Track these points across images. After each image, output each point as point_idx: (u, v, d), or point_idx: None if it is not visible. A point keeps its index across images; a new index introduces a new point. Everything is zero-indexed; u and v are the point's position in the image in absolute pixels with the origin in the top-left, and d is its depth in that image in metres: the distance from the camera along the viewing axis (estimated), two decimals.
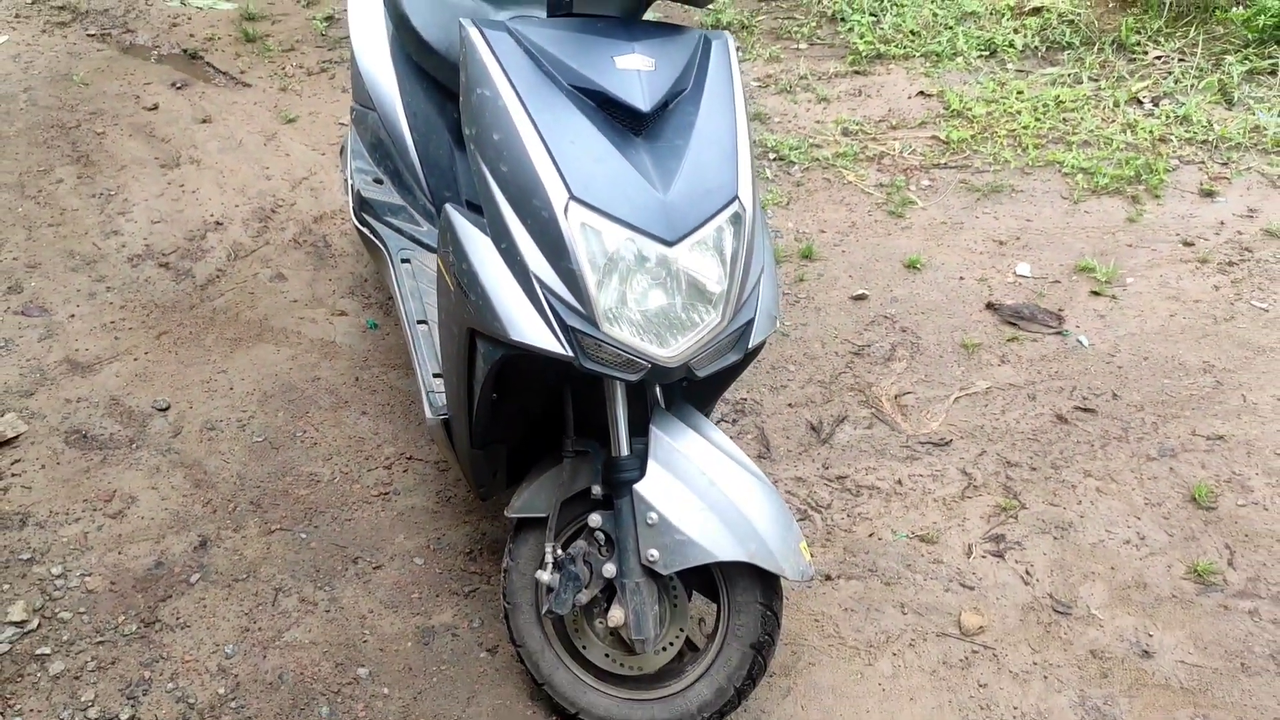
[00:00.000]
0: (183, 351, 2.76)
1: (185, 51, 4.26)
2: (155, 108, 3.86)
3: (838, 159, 3.50)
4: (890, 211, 3.24)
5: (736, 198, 1.68)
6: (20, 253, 3.09)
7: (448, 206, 1.76)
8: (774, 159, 3.54)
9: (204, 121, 3.79)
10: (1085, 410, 2.52)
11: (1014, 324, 2.78)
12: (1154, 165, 3.34)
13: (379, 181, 2.50)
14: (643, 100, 1.65)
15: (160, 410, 2.56)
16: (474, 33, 1.70)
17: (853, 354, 2.72)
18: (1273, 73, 3.82)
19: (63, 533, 2.22)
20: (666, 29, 1.78)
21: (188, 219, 3.29)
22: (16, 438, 2.46)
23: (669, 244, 1.58)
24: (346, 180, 2.61)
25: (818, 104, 3.85)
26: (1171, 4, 4.15)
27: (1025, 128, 3.59)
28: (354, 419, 2.55)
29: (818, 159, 3.50)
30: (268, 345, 2.79)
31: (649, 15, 2.16)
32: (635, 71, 1.67)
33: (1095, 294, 2.88)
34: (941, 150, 3.53)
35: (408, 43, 2.36)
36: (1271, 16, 3.86)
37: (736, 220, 1.67)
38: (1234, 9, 3.99)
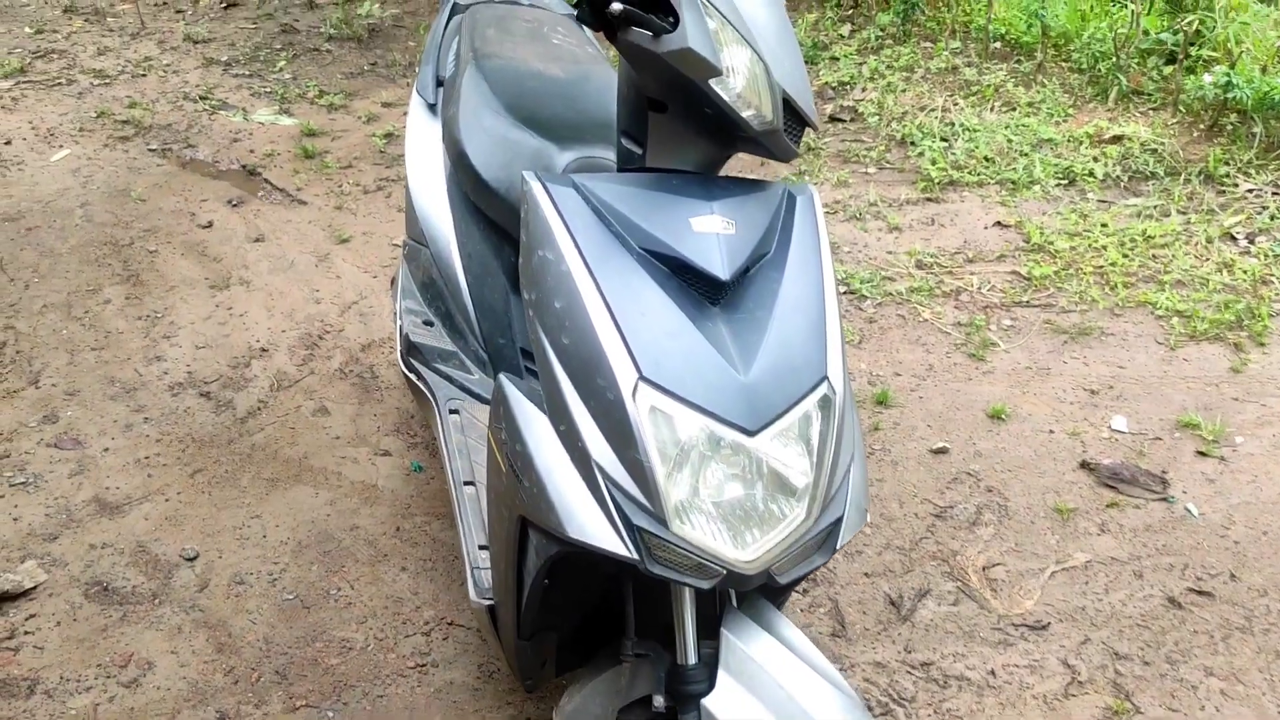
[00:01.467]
0: (217, 492, 2.60)
1: (244, 167, 4.22)
2: (210, 225, 3.80)
3: (912, 294, 3.31)
4: (970, 354, 3.04)
5: (825, 378, 1.49)
6: (60, 379, 2.98)
7: (502, 377, 1.59)
8: (845, 292, 3.36)
9: (257, 240, 3.71)
10: (1201, 593, 2.26)
11: (1113, 487, 2.54)
12: (1256, 310, 3.11)
13: (429, 324, 2.35)
14: (722, 267, 1.48)
15: (188, 560, 2.39)
16: (537, 187, 1.56)
17: (934, 516, 2.49)
18: None
19: (71, 704, 2.03)
20: (745, 185, 1.63)
21: (233, 344, 3.17)
22: (35, 588, 2.30)
23: (750, 433, 1.39)
24: (395, 318, 2.47)
25: (889, 233, 3.68)
26: (1261, 135, 3.96)
27: (1113, 264, 3.39)
28: (393, 575, 2.36)
29: (891, 293, 3.32)
30: (306, 487, 2.63)
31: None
32: (714, 235, 1.51)
33: (1201, 454, 2.64)
34: (1023, 287, 3.33)
35: (465, 180, 2.23)
36: None
37: (826, 404, 1.48)
38: None
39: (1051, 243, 3.52)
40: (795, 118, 1.64)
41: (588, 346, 1.44)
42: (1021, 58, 4.76)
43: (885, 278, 3.41)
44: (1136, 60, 4.45)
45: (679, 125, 1.62)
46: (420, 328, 2.34)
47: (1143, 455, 2.64)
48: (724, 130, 1.62)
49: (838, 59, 4.99)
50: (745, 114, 1.55)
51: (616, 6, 1.47)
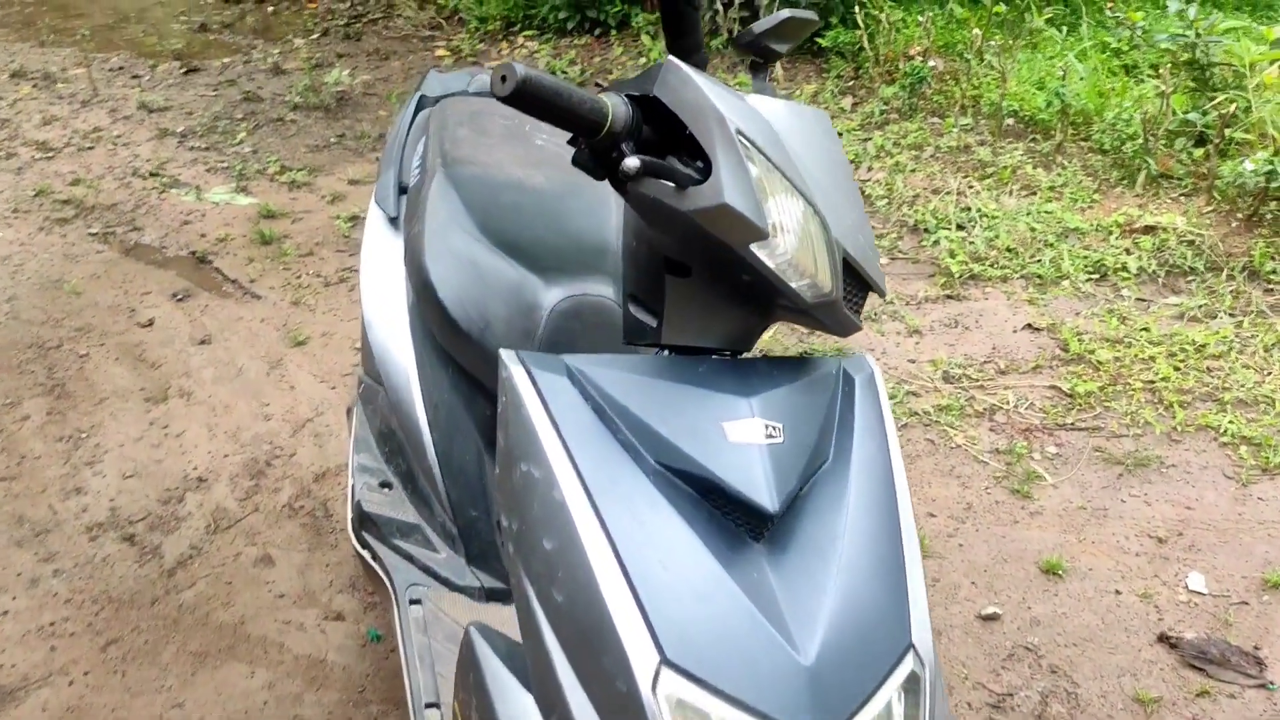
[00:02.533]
0: (133, 672, 2.17)
1: (194, 254, 3.83)
2: (150, 324, 3.39)
3: (941, 413, 2.93)
4: (1013, 489, 2.65)
5: (911, 646, 1.11)
6: None
7: (471, 630, 1.20)
8: None
9: (202, 342, 3.30)
10: None
11: (1200, 669, 2.15)
12: None
13: (387, 486, 1.95)
14: (769, 495, 1.10)
15: None
16: (518, 373, 1.17)
17: (991, 707, 2.09)
18: None
19: None
20: (790, 368, 1.25)
21: (166, 472, 2.75)
22: None
23: None
24: (348, 475, 2.06)
25: (909, 337, 3.32)
26: None
27: (1164, 379, 3.03)
28: None
29: (917, 412, 2.94)
30: (240, 664, 2.20)
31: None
32: (756, 447, 1.13)
33: None
34: (1065, 405, 2.96)
35: (430, 315, 1.84)
36: None
37: (913, 685, 1.09)
38: None
39: (1092, 351, 3.16)
40: (857, 282, 1.27)
41: (589, 611, 1.05)
42: (1038, 137, 4.45)
43: (909, 393, 3.03)
44: (1164, 142, 4.13)
45: (705, 293, 1.24)
46: (376, 492, 1.93)
47: (1229, 625, 2.26)
48: (763, 298, 1.24)
49: (840, 135, 4.66)
50: (797, 284, 1.17)
51: (632, 163, 1.11)
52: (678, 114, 1.12)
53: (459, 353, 1.80)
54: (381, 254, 2.06)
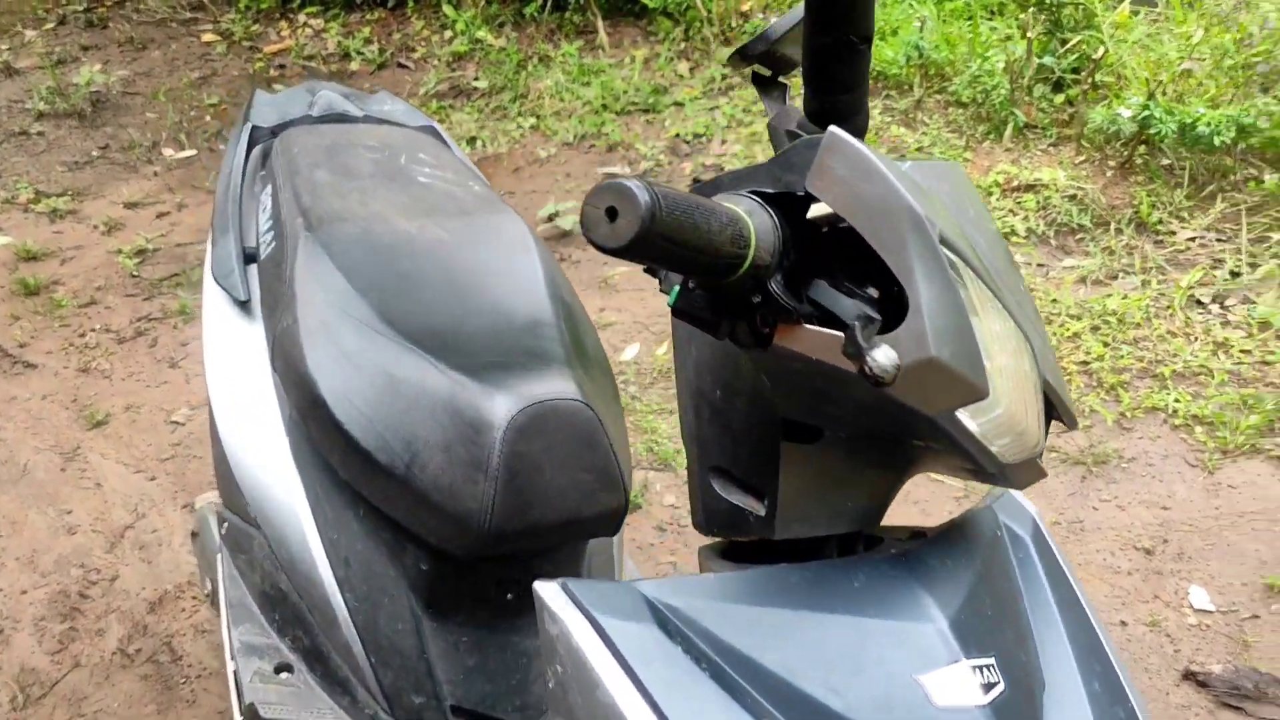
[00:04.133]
0: None
1: None
2: None
3: None
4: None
5: None
6: None
7: None
8: None
9: None
10: None
11: (1237, 707, 1.92)
12: None
13: (285, 669, 1.43)
14: None
15: None
16: (572, 618, 0.76)
17: None
18: None
19: None
20: (944, 545, 0.86)
21: None
22: None
23: None
24: (227, 659, 1.52)
25: None
26: (1189, 172, 3.52)
27: (1098, 359, 2.82)
28: None
29: None
30: None
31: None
32: (976, 712, 0.73)
33: None
34: None
35: (326, 443, 1.34)
36: None
37: None
38: (1269, 178, 3.39)
39: None
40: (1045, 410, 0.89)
41: None
42: (893, 93, 4.19)
43: None
44: (1026, 91, 3.95)
45: (834, 460, 0.83)
46: (271, 682, 1.41)
47: (1248, 646, 2.04)
48: (910, 452, 0.85)
49: (682, 105, 4.27)
50: (998, 445, 0.78)
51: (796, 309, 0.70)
52: (845, 216, 0.69)
53: (374, 491, 1.31)
54: (233, 351, 1.52)
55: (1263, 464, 2.46)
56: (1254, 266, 3.19)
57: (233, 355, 1.52)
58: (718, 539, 0.90)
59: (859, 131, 0.90)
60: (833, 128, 0.71)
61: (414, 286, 1.40)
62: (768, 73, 1.14)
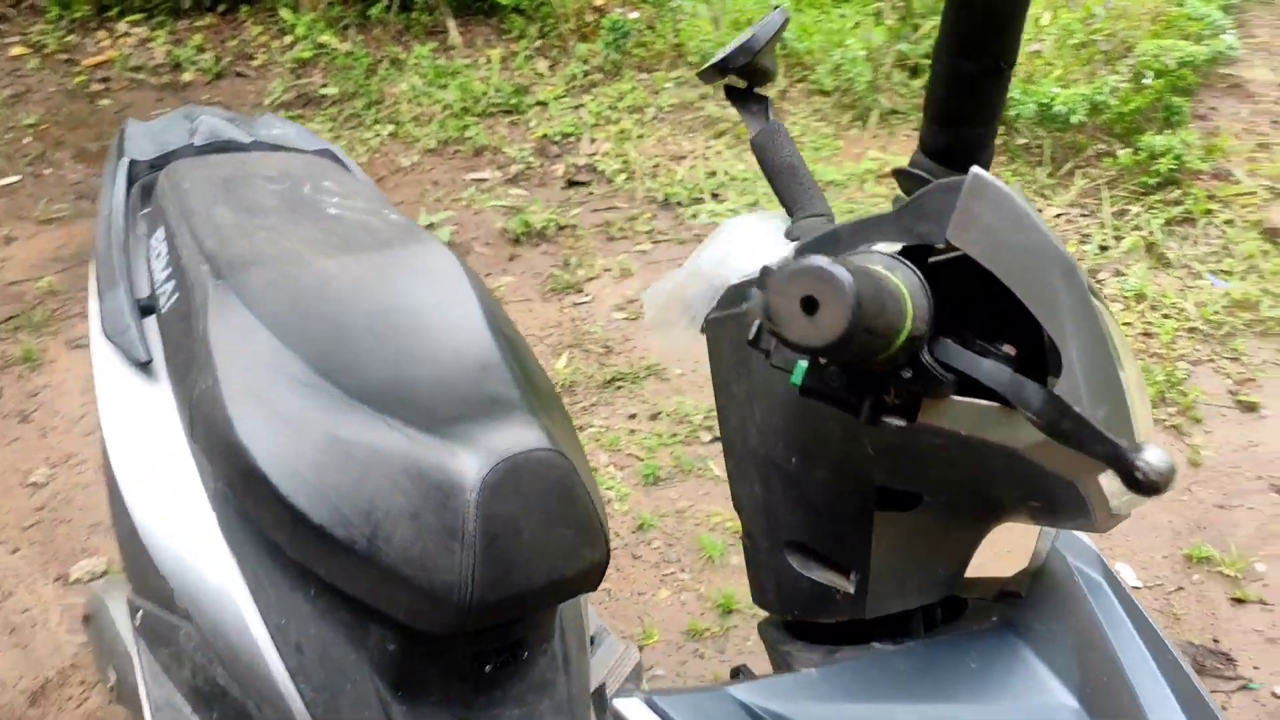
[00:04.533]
0: None
1: None
2: None
3: None
4: None
5: None
6: None
7: None
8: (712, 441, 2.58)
9: None
10: None
11: None
12: (1172, 377, 2.69)
13: None
14: None
15: None
16: None
17: None
18: (1189, 220, 3.36)
19: None
20: (1051, 615, 0.79)
21: None
22: None
23: None
24: None
25: None
26: (1047, 151, 3.63)
27: None
28: None
29: None
30: None
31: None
32: None
33: (1238, 601, 2.14)
34: None
35: (267, 519, 1.19)
36: (1173, 158, 3.41)
37: None
38: (1121, 152, 3.52)
39: None
40: None
41: None
42: None
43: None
44: (885, 77, 4.00)
45: (931, 523, 0.76)
46: None
47: (1178, 619, 2.10)
48: (998, 504, 0.78)
49: (546, 104, 4.16)
50: (1121, 500, 0.72)
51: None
52: (991, 267, 0.61)
53: (330, 569, 1.17)
54: (137, 419, 1.34)
55: (1159, 434, 2.54)
56: (1119, 239, 3.31)
57: (137, 423, 1.34)
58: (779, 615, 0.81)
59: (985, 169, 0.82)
60: (976, 170, 0.63)
61: (348, 334, 1.26)
62: (742, 84, 1.06)
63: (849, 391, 0.65)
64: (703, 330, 0.92)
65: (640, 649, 1.95)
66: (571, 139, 3.95)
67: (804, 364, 0.64)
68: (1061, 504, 0.70)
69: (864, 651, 0.72)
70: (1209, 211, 3.37)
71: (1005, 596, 0.80)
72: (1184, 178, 3.48)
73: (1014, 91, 3.58)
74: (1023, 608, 0.78)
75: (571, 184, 3.71)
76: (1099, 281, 3.13)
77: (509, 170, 3.80)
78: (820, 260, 0.56)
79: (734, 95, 1.06)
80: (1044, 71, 3.88)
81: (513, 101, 4.15)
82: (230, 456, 1.18)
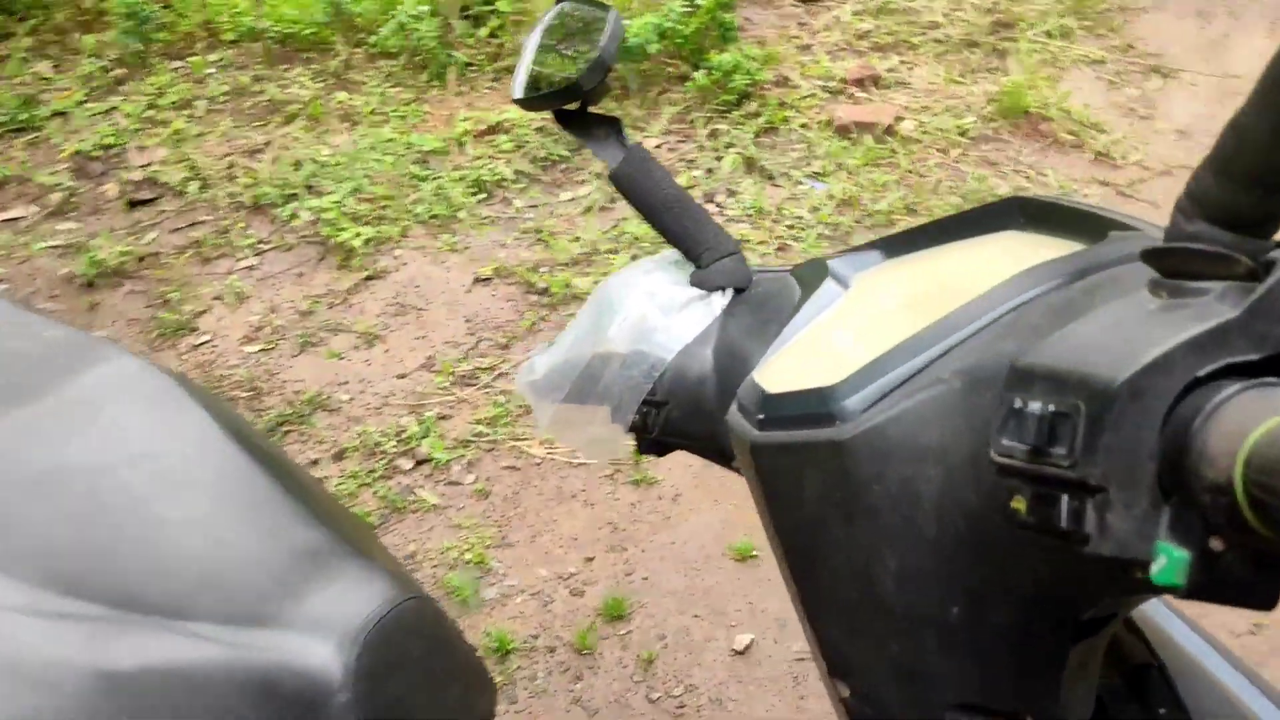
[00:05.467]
0: None
1: None
2: None
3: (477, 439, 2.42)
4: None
5: None
6: None
7: None
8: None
9: None
10: None
11: None
12: None
13: None
14: None
15: None
16: None
17: None
18: (772, 130, 3.54)
19: None
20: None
21: None
22: None
23: None
24: None
25: (361, 360, 2.67)
26: (628, 84, 3.65)
27: None
28: None
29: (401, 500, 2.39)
30: None
31: None
32: None
33: None
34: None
35: None
36: (744, 75, 3.56)
37: None
38: (696, 74, 3.62)
39: (568, 282, 2.84)
40: None
41: None
42: (313, 55, 3.80)
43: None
44: (451, 30, 3.81)
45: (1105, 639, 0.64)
46: None
47: None
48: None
49: (66, 114, 3.51)
50: None
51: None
52: None
53: None
54: None
55: None
56: (719, 159, 3.42)
57: None
58: None
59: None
60: None
61: (74, 523, 0.92)
62: (575, 105, 0.87)
63: (1260, 577, 0.49)
64: (755, 455, 0.68)
65: None
66: (114, 151, 3.37)
67: (1181, 554, 0.46)
68: None
69: None
70: (786, 120, 3.58)
71: (1133, 672, 0.72)
72: (756, 90, 3.66)
73: None
74: (1150, 677, 0.71)
75: (134, 204, 3.17)
76: (717, 205, 3.22)
77: (47, 202, 3.17)
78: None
79: (571, 122, 0.87)
80: (618, 4, 3.88)
81: (22, 117, 3.46)
82: None
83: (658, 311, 0.84)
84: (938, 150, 3.48)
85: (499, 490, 2.28)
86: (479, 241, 3.04)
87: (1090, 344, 0.48)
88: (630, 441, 0.88)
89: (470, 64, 3.78)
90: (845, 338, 0.72)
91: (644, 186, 0.86)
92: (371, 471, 2.30)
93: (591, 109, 0.88)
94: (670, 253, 0.90)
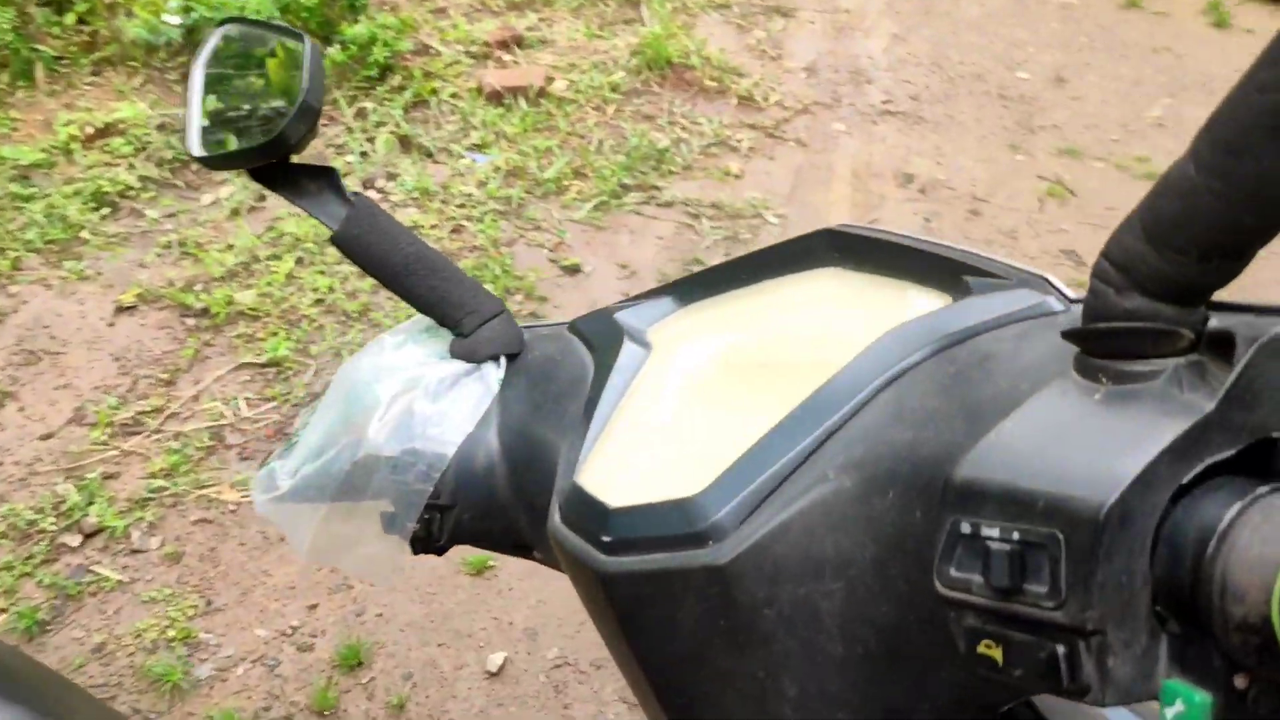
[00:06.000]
0: None
1: None
2: None
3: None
4: None
5: None
6: None
7: None
8: None
9: None
10: None
11: None
12: (504, 265, 2.72)
13: None
14: None
15: None
16: None
17: None
18: (422, 104, 3.36)
19: None
20: None
21: None
22: None
23: None
24: None
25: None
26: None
27: (329, 290, 2.62)
28: None
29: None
30: None
31: None
32: None
33: None
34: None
35: None
36: (383, 47, 3.34)
37: None
38: (331, 50, 3.34)
39: (259, 310, 2.55)
40: None
41: None
42: None
43: None
44: (28, 21, 3.28)
45: None
46: None
47: None
48: None
49: None
50: None
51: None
52: None
53: None
54: None
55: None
56: (372, 141, 3.21)
57: None
58: None
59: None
60: None
61: None
62: (274, 159, 0.70)
63: None
64: (611, 581, 0.57)
65: None
66: None
67: (1204, 699, 0.39)
68: None
69: None
70: (434, 91, 3.41)
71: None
72: (398, 62, 3.45)
73: (202, 12, 3.19)
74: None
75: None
76: (380, 191, 3.02)
77: None
78: None
79: (274, 179, 0.70)
80: None
81: None
82: None
83: (423, 398, 0.70)
84: (593, 109, 3.45)
85: (193, 550, 2.01)
86: (113, 264, 2.66)
87: (1045, 454, 0.41)
88: (409, 553, 0.75)
89: (61, 57, 3.28)
90: (674, 419, 0.63)
91: (378, 248, 0.71)
92: (29, 558, 1.95)
93: (296, 159, 0.72)
94: (419, 319, 0.76)
